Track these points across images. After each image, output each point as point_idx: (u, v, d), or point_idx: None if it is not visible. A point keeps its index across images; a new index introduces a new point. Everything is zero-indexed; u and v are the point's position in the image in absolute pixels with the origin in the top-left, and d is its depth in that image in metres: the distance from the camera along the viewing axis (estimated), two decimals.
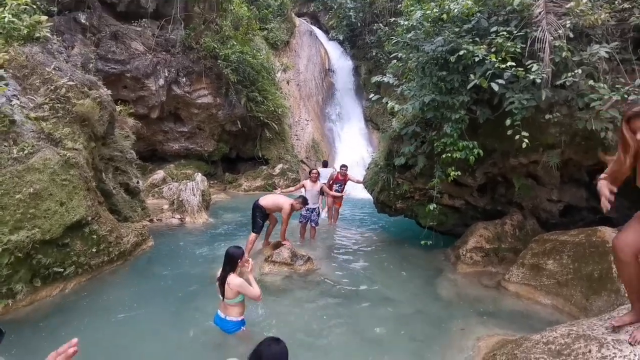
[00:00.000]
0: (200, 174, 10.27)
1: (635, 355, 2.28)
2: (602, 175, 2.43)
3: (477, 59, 4.87)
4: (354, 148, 17.19)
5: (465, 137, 5.42)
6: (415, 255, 6.62)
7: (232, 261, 3.64)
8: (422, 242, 5.96)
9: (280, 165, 14.62)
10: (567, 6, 4.80)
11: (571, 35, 4.73)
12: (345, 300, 4.88)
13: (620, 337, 2.45)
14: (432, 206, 5.82)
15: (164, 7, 12.55)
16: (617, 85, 4.48)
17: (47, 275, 4.49)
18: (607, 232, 4.60)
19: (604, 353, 2.41)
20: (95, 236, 5.07)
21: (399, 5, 9.59)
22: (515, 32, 4.97)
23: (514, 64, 4.65)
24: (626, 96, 4.35)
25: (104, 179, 6.39)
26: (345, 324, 4.27)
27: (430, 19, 5.63)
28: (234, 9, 13.58)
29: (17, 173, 4.19)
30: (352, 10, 18.68)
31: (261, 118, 14.35)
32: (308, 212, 7.35)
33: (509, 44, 4.79)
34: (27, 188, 4.22)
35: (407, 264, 6.35)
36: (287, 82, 17.29)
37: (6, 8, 5.42)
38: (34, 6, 5.86)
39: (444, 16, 5.36)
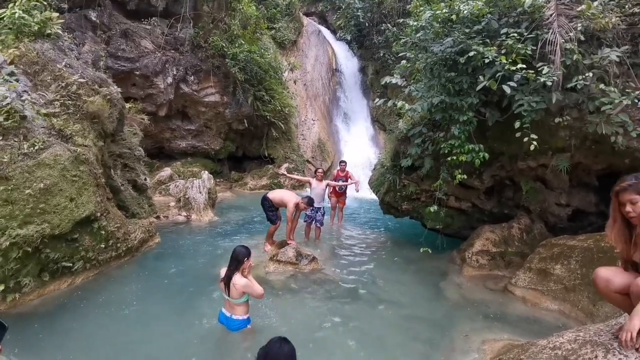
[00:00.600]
0: (206, 172, 10.33)
1: None
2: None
3: (486, 61, 4.83)
4: (360, 148, 17.16)
5: (472, 140, 5.39)
6: (420, 257, 6.59)
7: (237, 260, 3.66)
8: (422, 250, 5.94)
9: (286, 165, 14.65)
10: (578, 9, 4.76)
11: (582, 38, 4.68)
12: (349, 301, 4.87)
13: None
14: (432, 208, 5.79)
15: (173, 6, 12.64)
16: (627, 90, 4.43)
17: (56, 270, 4.54)
18: None
19: (610, 359, 2.38)
20: (103, 232, 5.12)
21: (407, 6, 9.55)
22: (525, 34, 4.93)
23: (524, 66, 4.61)
24: (637, 100, 4.30)
25: (113, 175, 6.45)
26: (349, 324, 4.26)
27: (439, 20, 5.60)
28: (242, 8, 13.63)
29: (28, 168, 4.25)
30: (360, 10, 18.64)
31: (268, 117, 14.40)
32: (313, 212, 7.36)
33: (519, 46, 4.75)
34: (37, 183, 4.27)
35: (412, 265, 6.33)
36: (294, 82, 17.31)
37: (16, 4, 5.45)
38: (45, 3, 5.91)
39: (454, 17, 5.33)
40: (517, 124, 4.74)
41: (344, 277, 5.70)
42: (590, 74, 4.45)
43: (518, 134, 4.78)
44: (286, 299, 4.80)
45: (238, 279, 3.60)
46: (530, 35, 4.91)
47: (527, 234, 6.05)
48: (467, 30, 5.28)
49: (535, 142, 4.58)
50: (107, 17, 11.28)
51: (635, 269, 2.33)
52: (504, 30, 5.03)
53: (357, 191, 8.45)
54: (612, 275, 2.37)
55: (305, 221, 7.48)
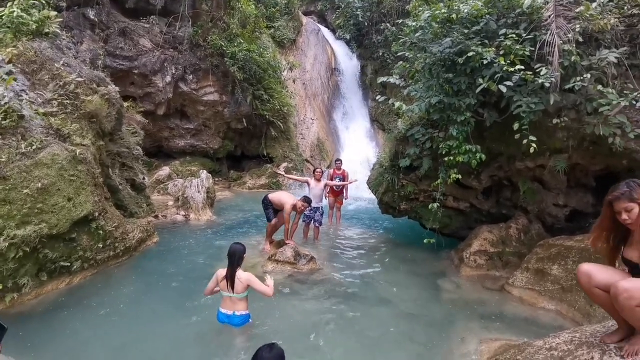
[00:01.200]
0: (205, 171, 10.32)
1: None
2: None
3: (485, 62, 4.84)
4: (359, 148, 17.16)
5: (470, 140, 5.40)
6: (418, 257, 6.61)
7: (237, 257, 3.83)
8: (425, 241, 5.95)
9: (284, 164, 14.64)
10: (577, 10, 4.76)
11: (580, 39, 4.69)
12: (347, 301, 4.88)
13: (622, 344, 2.44)
14: (433, 205, 5.79)
15: (172, 4, 12.60)
16: (625, 91, 4.45)
17: (54, 270, 4.54)
18: None
19: None
20: (101, 231, 5.12)
21: (407, 6, 9.54)
22: (524, 35, 4.94)
23: (522, 67, 4.61)
24: (634, 102, 4.31)
25: (111, 174, 6.44)
26: (347, 324, 4.27)
27: (438, 20, 5.60)
28: (241, 6, 13.61)
29: (25, 168, 4.24)
30: (359, 10, 18.63)
31: (266, 116, 14.38)
32: (311, 211, 7.37)
33: (517, 47, 4.76)
34: (35, 183, 4.26)
35: (410, 265, 6.34)
36: (293, 81, 17.29)
37: (15, 2, 5.41)
38: (43, 1, 5.87)
39: (453, 16, 5.32)
40: (515, 126, 4.75)
41: (342, 277, 5.71)
42: (588, 75, 4.45)
43: (517, 135, 4.79)
44: (284, 298, 4.81)
45: (241, 274, 3.81)
46: (528, 36, 4.92)
47: (524, 234, 6.07)
48: (465, 31, 5.28)
49: (534, 144, 4.59)
50: (106, 16, 11.24)
51: (630, 269, 2.34)
52: (502, 31, 5.04)
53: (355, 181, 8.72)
54: (595, 271, 2.39)
55: (303, 221, 7.48)
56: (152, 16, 12.30)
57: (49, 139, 4.66)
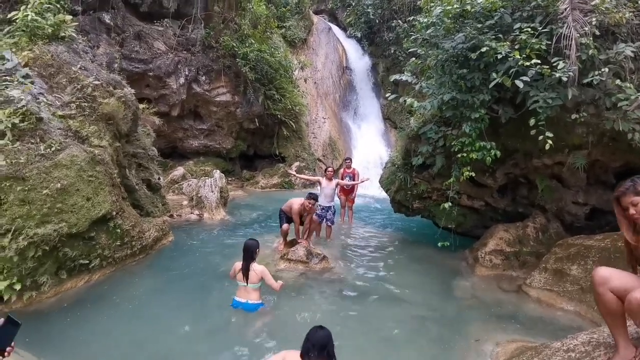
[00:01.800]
0: (218, 171, 10.43)
1: None
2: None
3: (499, 57, 4.74)
4: (372, 146, 17.07)
5: (484, 137, 5.30)
6: (432, 257, 6.53)
7: (251, 251, 4.31)
8: (440, 244, 5.88)
9: (297, 164, 14.69)
10: (593, 3, 4.63)
11: (597, 32, 4.56)
12: (359, 300, 4.87)
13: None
14: (447, 205, 5.70)
15: (184, 7, 12.78)
16: None
17: (73, 268, 4.67)
18: None
19: None
20: (119, 230, 5.23)
21: (418, 2, 9.43)
22: (540, 28, 4.81)
23: (539, 61, 4.50)
24: None
25: (128, 175, 6.58)
26: (360, 322, 4.26)
27: (450, 15, 5.51)
28: (252, 7, 13.69)
29: (45, 169, 4.37)
30: (370, 7, 18.50)
31: (278, 116, 14.45)
32: (323, 211, 7.37)
33: (533, 41, 4.64)
34: (55, 183, 4.39)
35: (423, 265, 6.27)
36: (305, 80, 17.31)
37: (29, 6, 5.50)
38: (58, 5, 5.98)
39: (467, 8, 5.21)
40: (532, 121, 4.64)
41: (354, 276, 5.69)
42: (607, 70, 4.33)
43: (533, 132, 4.68)
44: (296, 297, 4.82)
45: (256, 266, 4.29)
46: (544, 30, 4.79)
47: (542, 233, 5.92)
48: (479, 26, 5.19)
49: (550, 141, 4.48)
50: (121, 20, 11.48)
51: None
52: (517, 25, 4.92)
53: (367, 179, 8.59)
54: (613, 274, 2.29)
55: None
56: (165, 19, 12.51)
57: (68, 141, 4.79)
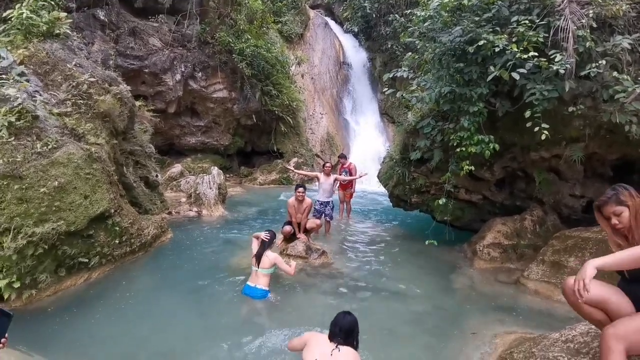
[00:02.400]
0: (216, 168, 10.41)
1: None
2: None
3: (497, 50, 4.73)
4: (369, 142, 17.07)
5: (482, 131, 5.30)
6: (431, 250, 6.55)
7: (266, 241, 4.67)
8: (427, 242, 5.93)
9: (295, 159, 14.68)
10: None
11: (594, 25, 4.56)
12: (359, 294, 4.89)
13: None
14: (441, 200, 5.75)
15: (179, 3, 12.66)
16: (639, 78, 4.31)
17: (72, 266, 4.66)
18: None
19: None
20: (117, 228, 5.22)
21: None
22: (537, 21, 4.81)
23: (536, 54, 4.50)
24: None
25: (125, 172, 6.55)
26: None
27: (448, 8, 5.49)
28: (248, 2, 13.58)
29: (42, 167, 4.34)
30: (367, 1, 18.39)
31: (276, 112, 14.40)
32: (322, 206, 7.37)
33: (531, 34, 4.63)
34: (52, 182, 4.36)
35: (422, 259, 6.31)
36: (302, 76, 17.25)
37: (24, 4, 5.45)
38: (52, 2, 5.93)
39: (465, 2, 5.19)
40: (527, 113, 4.65)
41: (353, 271, 5.72)
42: (604, 62, 4.34)
43: (529, 124, 4.69)
44: (296, 292, 4.84)
45: (270, 253, 4.62)
46: (542, 22, 4.78)
47: (540, 226, 5.96)
48: (476, 19, 5.17)
49: (546, 132, 4.50)
50: (115, 16, 11.37)
51: (622, 278, 2.20)
52: (514, 18, 4.91)
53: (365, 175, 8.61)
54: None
55: (314, 215, 7.50)
56: (160, 15, 12.39)
57: (64, 139, 4.75)
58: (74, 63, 5.61)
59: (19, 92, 4.47)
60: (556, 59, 4.40)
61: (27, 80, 4.80)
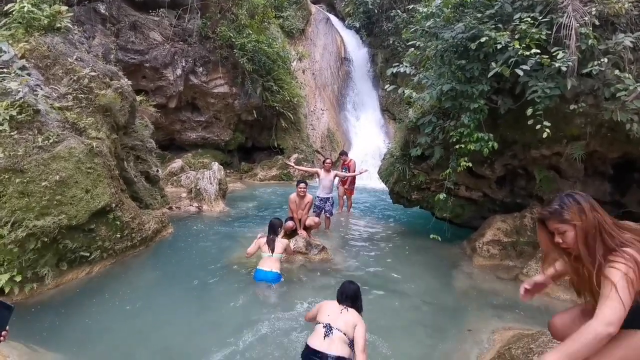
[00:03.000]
0: (217, 163, 10.41)
1: None
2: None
3: (499, 46, 4.72)
4: (370, 138, 17.05)
5: (482, 128, 5.30)
6: (430, 247, 6.58)
7: (276, 227, 5.13)
8: (431, 236, 5.94)
9: (295, 155, 14.68)
10: None
11: (597, 22, 4.55)
12: None
13: None
14: (442, 195, 5.76)
15: None
16: None
17: (74, 260, 4.68)
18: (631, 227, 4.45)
19: None
20: (118, 222, 5.24)
21: None
22: (540, 18, 4.78)
23: (538, 51, 4.49)
24: None
25: (126, 167, 6.57)
26: None
27: (450, 5, 5.46)
28: None
29: (43, 161, 4.35)
30: None
31: (277, 107, 14.37)
32: (322, 202, 7.39)
33: (533, 31, 4.61)
34: (53, 176, 4.37)
35: (422, 255, 6.33)
36: (303, 71, 17.19)
37: None
38: None
39: None
40: (529, 111, 4.65)
41: (353, 267, 5.74)
42: (606, 60, 4.33)
43: (530, 121, 4.69)
44: (296, 288, 4.87)
45: (280, 239, 5.09)
46: (544, 19, 4.76)
47: None
48: (479, 15, 5.15)
49: (547, 130, 4.49)
50: (116, 10, 11.32)
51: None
52: (517, 15, 4.89)
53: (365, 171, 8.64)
54: (558, 321, 2.13)
55: (314, 211, 7.51)
56: (161, 9, 12.33)
57: (66, 133, 4.76)
58: (75, 57, 5.60)
59: (21, 86, 4.47)
60: (558, 57, 4.39)
61: (29, 74, 4.80)
